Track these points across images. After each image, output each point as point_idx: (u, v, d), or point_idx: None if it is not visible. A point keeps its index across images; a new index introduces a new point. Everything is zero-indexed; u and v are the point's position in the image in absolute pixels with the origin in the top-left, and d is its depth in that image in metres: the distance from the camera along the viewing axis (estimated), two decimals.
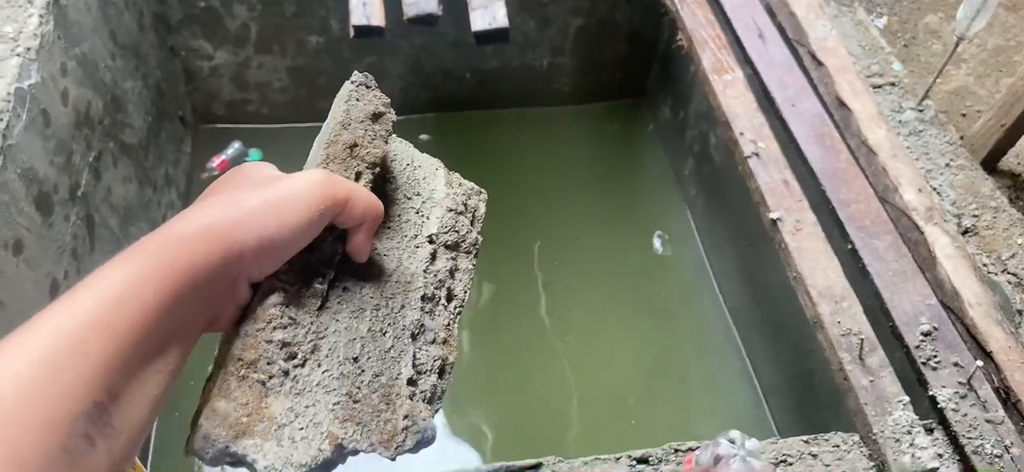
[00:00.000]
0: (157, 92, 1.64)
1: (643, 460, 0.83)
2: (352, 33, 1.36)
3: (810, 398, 1.36)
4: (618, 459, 0.83)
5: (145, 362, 0.32)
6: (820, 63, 1.16)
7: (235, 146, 1.86)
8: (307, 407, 0.38)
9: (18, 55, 1.11)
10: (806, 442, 0.85)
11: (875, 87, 1.18)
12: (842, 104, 1.11)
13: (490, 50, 1.91)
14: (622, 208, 1.90)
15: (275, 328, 0.38)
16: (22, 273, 1.06)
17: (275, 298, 0.38)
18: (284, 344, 0.38)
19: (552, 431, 1.51)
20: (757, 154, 1.08)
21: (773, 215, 1.01)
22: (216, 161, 1.83)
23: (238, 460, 0.36)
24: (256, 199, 0.36)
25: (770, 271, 1.43)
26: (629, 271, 1.78)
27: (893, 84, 1.19)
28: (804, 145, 1.08)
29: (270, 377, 0.37)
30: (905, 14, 1.54)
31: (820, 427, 0.89)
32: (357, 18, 1.34)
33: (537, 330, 1.66)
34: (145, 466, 1.31)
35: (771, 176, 1.05)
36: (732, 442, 0.67)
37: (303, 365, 0.38)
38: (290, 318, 0.39)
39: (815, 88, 1.16)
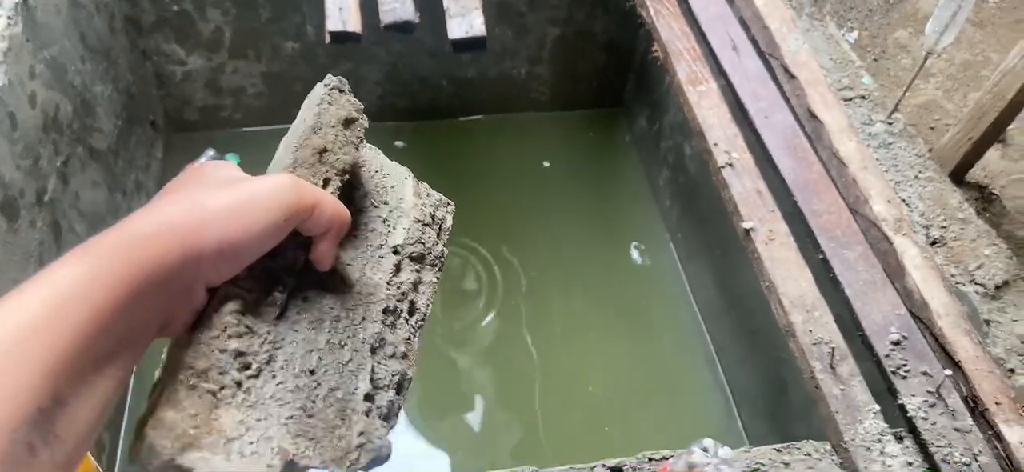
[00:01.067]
0: (128, 96, 1.61)
1: (617, 469, 0.83)
2: (328, 39, 1.35)
3: (782, 407, 1.37)
4: (592, 468, 0.83)
5: (94, 367, 0.30)
6: (792, 76, 1.18)
7: (209, 154, 1.83)
8: (259, 420, 0.36)
9: None
10: (778, 450, 0.86)
11: (846, 100, 1.20)
12: (814, 116, 1.13)
13: (467, 58, 1.91)
14: (598, 217, 1.91)
15: (230, 337, 0.36)
16: None
17: (232, 305, 0.37)
18: (238, 353, 0.36)
19: (526, 439, 1.51)
20: (731, 164, 1.09)
21: (746, 225, 1.02)
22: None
23: None
24: (219, 200, 0.35)
25: (743, 281, 1.45)
26: (604, 280, 1.78)
27: (863, 97, 1.21)
28: (777, 156, 1.10)
29: (222, 388, 0.35)
30: (875, 29, 1.57)
31: (792, 436, 0.90)
32: (333, 24, 1.33)
33: (511, 337, 1.66)
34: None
35: (744, 186, 1.06)
36: (705, 450, 0.67)
37: (257, 376, 0.37)
38: (247, 327, 0.37)
39: (788, 100, 1.17)
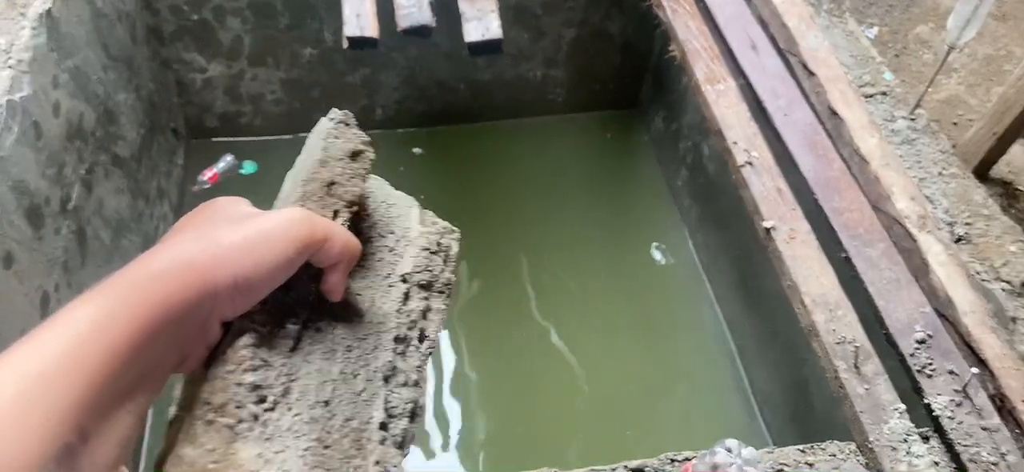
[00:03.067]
0: (150, 104, 1.63)
1: (639, 470, 0.83)
2: (346, 45, 1.36)
3: (804, 408, 1.36)
4: (614, 470, 0.82)
5: (115, 402, 0.30)
6: (812, 73, 1.17)
7: (227, 159, 1.86)
8: (277, 453, 0.36)
9: (10, 67, 1.11)
10: (802, 451, 0.85)
11: (867, 96, 1.19)
12: (834, 113, 1.12)
13: (483, 61, 1.91)
14: (616, 219, 1.90)
15: (246, 371, 0.37)
16: (12, 287, 1.05)
17: (247, 339, 0.37)
18: (255, 387, 0.37)
19: (549, 442, 1.51)
20: (751, 163, 1.08)
21: (767, 224, 1.01)
22: (207, 174, 1.82)
23: None
24: (233, 236, 0.35)
25: (765, 280, 1.44)
26: (625, 281, 1.78)
27: (885, 93, 1.20)
28: (797, 154, 1.09)
29: (239, 421, 0.36)
30: (896, 24, 1.55)
31: (814, 437, 0.89)
32: (351, 30, 1.34)
33: (533, 340, 1.65)
34: None
35: (764, 185, 1.06)
36: (729, 451, 0.67)
37: (273, 409, 0.37)
38: (262, 360, 0.37)
39: (807, 98, 1.16)
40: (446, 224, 0.51)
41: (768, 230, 1.01)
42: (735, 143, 1.11)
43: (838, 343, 0.89)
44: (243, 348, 0.37)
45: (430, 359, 0.45)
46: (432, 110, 2.00)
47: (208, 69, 1.81)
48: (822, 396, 1.28)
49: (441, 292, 0.48)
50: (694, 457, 0.78)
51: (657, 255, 1.83)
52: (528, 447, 1.50)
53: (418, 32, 1.35)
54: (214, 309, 0.35)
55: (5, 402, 0.27)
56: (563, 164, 2.00)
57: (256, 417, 0.36)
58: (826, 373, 0.90)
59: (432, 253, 0.48)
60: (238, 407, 0.36)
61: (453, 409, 1.53)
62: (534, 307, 1.71)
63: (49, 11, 1.21)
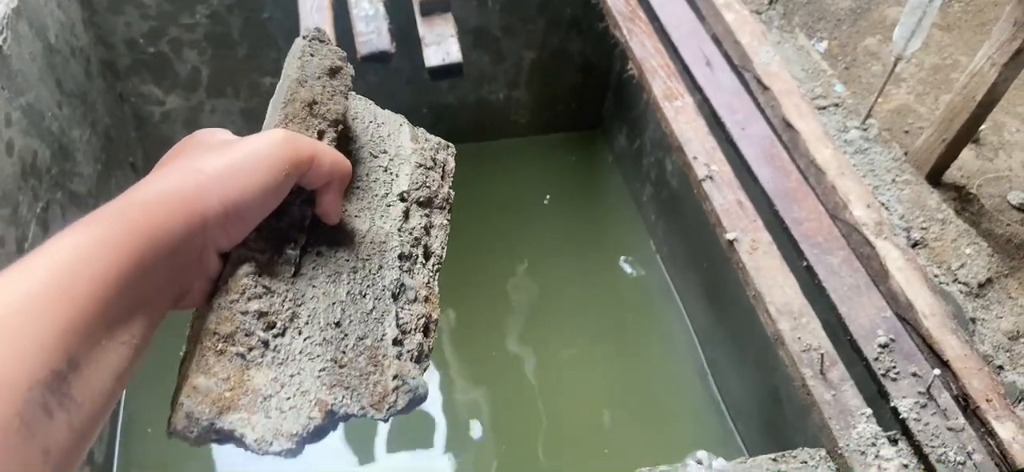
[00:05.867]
0: (107, 139, 1.60)
1: None
2: None
3: (778, 417, 1.37)
4: None
5: (107, 331, 0.30)
6: (766, 87, 1.19)
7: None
8: (292, 376, 0.36)
9: None
10: (774, 459, 0.86)
11: (820, 109, 1.22)
12: (789, 126, 1.14)
13: (445, 85, 1.92)
14: (585, 237, 1.92)
15: (249, 298, 0.36)
16: None
17: (246, 267, 0.37)
18: (261, 314, 0.37)
19: (521, 461, 1.50)
20: (711, 177, 1.10)
21: (729, 236, 1.03)
22: None
23: (225, 436, 0.34)
24: (216, 163, 0.35)
25: (731, 291, 1.45)
26: (595, 300, 1.78)
27: (837, 105, 1.23)
28: (755, 166, 1.11)
29: (249, 349, 0.36)
30: (844, 38, 1.60)
31: (788, 444, 0.90)
32: None
33: (505, 360, 1.65)
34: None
35: (725, 198, 1.07)
36: (700, 463, 0.67)
37: (283, 334, 0.37)
38: (264, 287, 0.37)
39: (763, 111, 1.19)
40: (440, 139, 0.50)
41: (731, 242, 1.03)
42: (695, 158, 1.12)
43: (804, 350, 0.91)
44: (244, 276, 0.37)
45: (438, 275, 0.45)
46: None
47: (166, 102, 1.78)
48: (793, 405, 1.30)
49: (441, 207, 0.47)
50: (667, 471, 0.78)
51: (627, 268, 1.85)
52: (502, 466, 1.49)
53: (378, 59, 1.35)
54: (207, 239, 0.34)
55: None
56: (530, 184, 2.01)
57: (266, 344, 0.36)
58: (794, 381, 0.91)
59: (428, 169, 0.48)
60: (247, 335, 0.36)
61: (422, 428, 1.52)
62: (504, 326, 1.70)
63: (0, 49, 1.19)
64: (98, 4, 1.59)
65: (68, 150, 1.40)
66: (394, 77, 1.85)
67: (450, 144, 0.51)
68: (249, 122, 1.86)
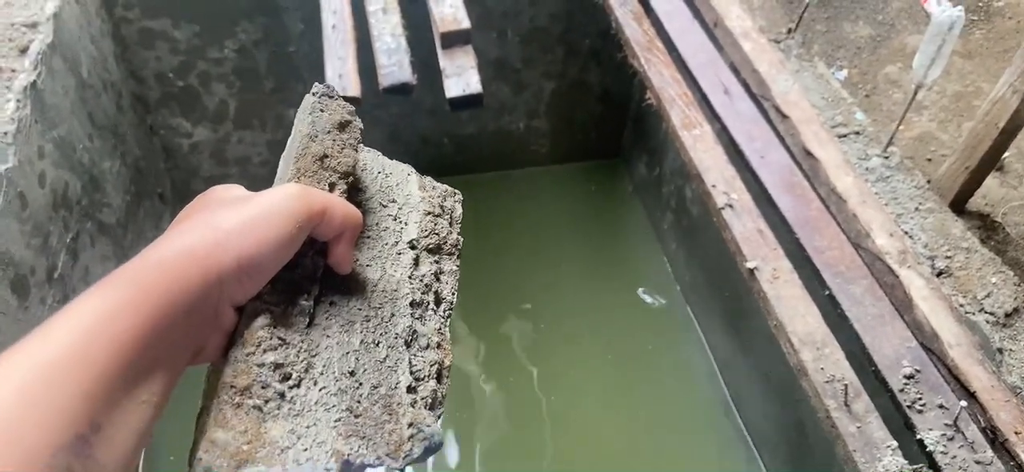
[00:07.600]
0: (136, 171, 1.64)
1: None
2: None
3: (803, 449, 1.35)
4: None
5: (128, 392, 0.31)
6: (785, 116, 1.19)
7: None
8: (308, 427, 0.36)
9: None
10: None
11: (840, 137, 1.21)
12: (809, 154, 1.14)
13: (466, 116, 1.94)
14: (604, 266, 1.91)
15: (265, 350, 0.37)
16: None
17: (261, 320, 0.37)
18: (276, 366, 0.37)
19: None
20: (731, 205, 1.10)
21: (750, 264, 1.02)
22: None
23: None
24: (231, 219, 0.35)
25: (753, 321, 1.44)
26: (615, 329, 1.78)
27: (858, 133, 1.23)
28: (775, 195, 1.10)
29: (266, 401, 0.36)
30: (865, 66, 1.60)
31: None
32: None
33: (523, 390, 1.64)
34: None
35: (745, 226, 1.07)
36: None
37: (298, 385, 0.37)
38: (279, 339, 0.38)
39: (782, 140, 1.19)
40: (446, 187, 0.51)
41: (751, 271, 1.02)
42: (714, 186, 1.12)
43: (827, 381, 0.90)
44: (259, 329, 0.37)
45: (449, 321, 0.45)
46: (417, 165, 1.98)
47: (194, 134, 1.82)
48: (819, 436, 1.28)
49: (451, 254, 0.48)
50: None
51: (648, 299, 1.84)
52: None
53: (400, 90, 1.37)
54: (222, 294, 0.35)
55: (15, 394, 0.27)
56: (549, 213, 2.02)
57: (282, 395, 0.37)
58: (817, 413, 0.90)
59: (436, 216, 0.49)
60: (263, 387, 0.36)
61: (440, 455, 1.51)
62: (523, 357, 1.70)
63: (34, 83, 1.22)
64: (130, 40, 1.63)
65: (98, 181, 1.44)
66: (415, 108, 1.88)
67: (457, 191, 0.52)
68: (275, 153, 1.89)
